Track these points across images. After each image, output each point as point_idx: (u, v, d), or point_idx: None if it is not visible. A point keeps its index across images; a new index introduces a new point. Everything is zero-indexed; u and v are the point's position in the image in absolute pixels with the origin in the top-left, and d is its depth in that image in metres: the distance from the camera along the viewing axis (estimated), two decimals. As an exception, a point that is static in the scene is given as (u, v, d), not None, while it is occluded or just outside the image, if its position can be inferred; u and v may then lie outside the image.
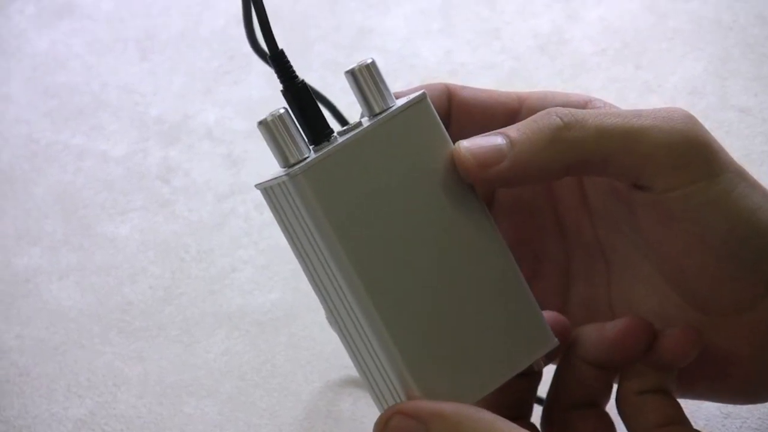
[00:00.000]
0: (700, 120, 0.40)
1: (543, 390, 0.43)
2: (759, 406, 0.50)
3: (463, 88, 0.43)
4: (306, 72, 0.41)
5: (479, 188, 0.40)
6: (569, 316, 0.43)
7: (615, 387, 0.42)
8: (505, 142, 0.39)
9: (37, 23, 0.86)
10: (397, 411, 0.38)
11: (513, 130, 0.39)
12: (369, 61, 0.39)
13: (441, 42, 0.78)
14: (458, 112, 0.43)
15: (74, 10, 0.87)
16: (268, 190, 0.39)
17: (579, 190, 0.44)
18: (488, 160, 0.39)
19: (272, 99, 0.45)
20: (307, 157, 0.38)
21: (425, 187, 0.39)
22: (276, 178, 0.39)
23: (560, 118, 0.39)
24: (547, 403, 0.43)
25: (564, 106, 0.40)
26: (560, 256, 0.45)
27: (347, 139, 0.38)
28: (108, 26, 0.85)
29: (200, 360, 0.59)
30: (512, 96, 0.43)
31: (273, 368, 0.58)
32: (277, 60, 0.40)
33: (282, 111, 0.38)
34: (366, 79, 0.39)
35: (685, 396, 0.43)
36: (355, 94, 0.39)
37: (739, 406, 0.50)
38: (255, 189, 0.40)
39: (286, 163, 0.38)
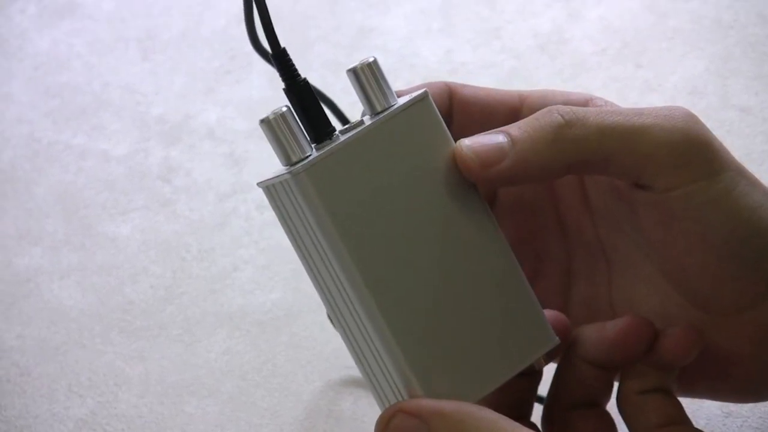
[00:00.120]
0: (701, 119, 0.40)
1: (543, 389, 0.43)
2: (760, 405, 0.50)
3: (464, 86, 0.43)
4: (306, 72, 0.40)
5: (481, 187, 0.40)
6: (570, 315, 0.43)
7: (616, 386, 0.42)
8: (506, 140, 0.39)
9: (38, 23, 0.86)
10: (399, 409, 0.38)
11: (514, 128, 0.39)
12: (371, 59, 0.39)
13: (441, 41, 0.78)
14: (459, 110, 0.43)
15: (75, 10, 0.87)
16: (270, 188, 0.39)
17: (580, 189, 0.44)
18: (490, 159, 0.39)
19: (273, 99, 0.45)
20: (310, 156, 0.38)
21: (427, 185, 0.39)
22: (278, 176, 0.38)
23: (561, 115, 0.39)
24: (548, 403, 0.42)
25: (565, 104, 0.40)
26: (561, 256, 0.45)
27: (349, 137, 0.38)
28: (109, 26, 0.85)
29: (201, 360, 0.59)
30: (513, 94, 0.43)
31: (274, 368, 0.58)
32: (280, 58, 0.40)
33: (284, 109, 0.38)
34: (368, 78, 0.39)
35: (686, 395, 0.42)
36: (357, 93, 0.39)
37: (740, 405, 0.50)
38: (256, 189, 0.40)
39: (288, 161, 0.38)
